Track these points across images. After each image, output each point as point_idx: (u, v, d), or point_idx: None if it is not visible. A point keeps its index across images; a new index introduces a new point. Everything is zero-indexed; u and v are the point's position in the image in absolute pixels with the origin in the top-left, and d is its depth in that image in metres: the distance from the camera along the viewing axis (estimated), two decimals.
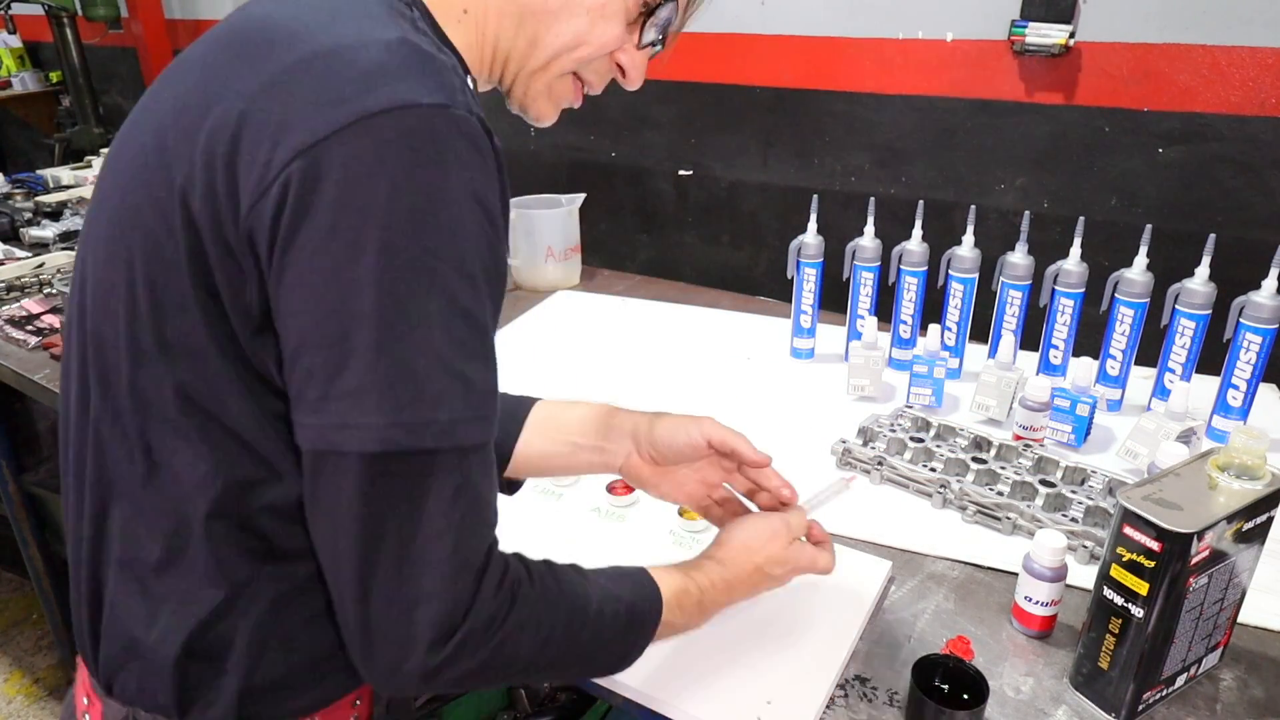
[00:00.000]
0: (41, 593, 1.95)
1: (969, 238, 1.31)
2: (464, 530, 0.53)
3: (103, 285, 0.57)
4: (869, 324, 1.37)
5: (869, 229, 1.37)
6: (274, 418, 0.56)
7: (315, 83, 0.50)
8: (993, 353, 1.32)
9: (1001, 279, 1.30)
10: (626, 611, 0.65)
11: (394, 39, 0.52)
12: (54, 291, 1.73)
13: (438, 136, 0.49)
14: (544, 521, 1.02)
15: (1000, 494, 1.01)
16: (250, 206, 0.49)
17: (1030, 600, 0.84)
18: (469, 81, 0.63)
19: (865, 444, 1.13)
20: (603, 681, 0.80)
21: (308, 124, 0.48)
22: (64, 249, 1.95)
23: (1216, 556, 0.72)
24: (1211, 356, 1.19)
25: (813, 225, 1.40)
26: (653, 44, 0.69)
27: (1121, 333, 1.23)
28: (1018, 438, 1.13)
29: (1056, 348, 1.30)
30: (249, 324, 0.53)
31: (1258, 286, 1.12)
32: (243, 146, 0.50)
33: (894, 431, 1.13)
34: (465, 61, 0.63)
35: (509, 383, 1.51)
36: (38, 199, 2.22)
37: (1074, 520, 0.97)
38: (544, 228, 1.70)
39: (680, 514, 1.01)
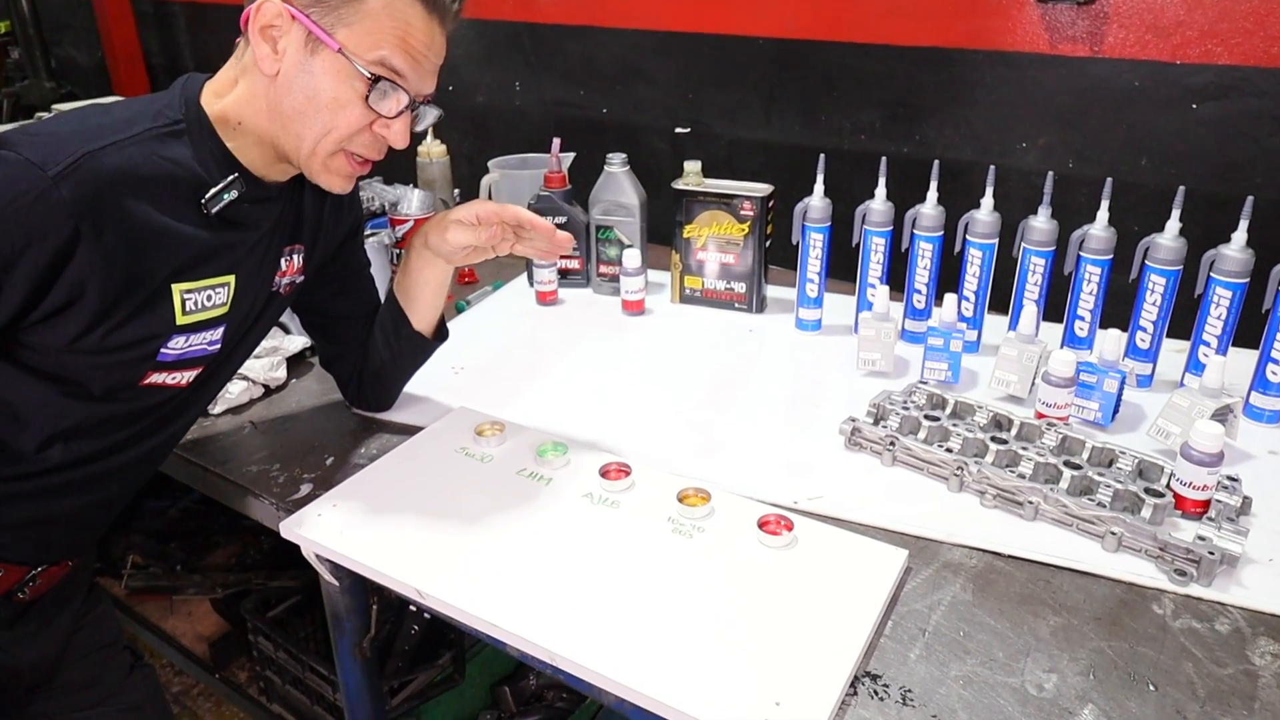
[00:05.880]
0: None
1: (988, 200, 1.30)
2: None
3: None
4: (880, 293, 1.35)
5: (880, 191, 1.37)
6: None
7: None
8: (1013, 324, 1.30)
9: (1023, 245, 1.29)
10: None
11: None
12: None
13: None
14: (530, 509, 0.97)
15: (1022, 476, 0.99)
16: None
17: (1188, 485, 0.94)
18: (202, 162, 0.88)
19: (876, 423, 1.12)
20: (598, 681, 0.77)
21: None
22: None
23: None
24: (1249, 328, 1.18)
25: (819, 187, 1.39)
26: (406, 111, 0.90)
27: (1152, 303, 1.21)
28: (1040, 416, 1.12)
29: (1082, 319, 1.28)
30: None
31: None
32: None
33: (907, 409, 1.12)
34: (237, 156, 0.90)
35: (500, 341, 1.44)
36: None
37: (1101, 505, 0.94)
38: (529, 189, 1.66)
39: (679, 499, 0.96)
